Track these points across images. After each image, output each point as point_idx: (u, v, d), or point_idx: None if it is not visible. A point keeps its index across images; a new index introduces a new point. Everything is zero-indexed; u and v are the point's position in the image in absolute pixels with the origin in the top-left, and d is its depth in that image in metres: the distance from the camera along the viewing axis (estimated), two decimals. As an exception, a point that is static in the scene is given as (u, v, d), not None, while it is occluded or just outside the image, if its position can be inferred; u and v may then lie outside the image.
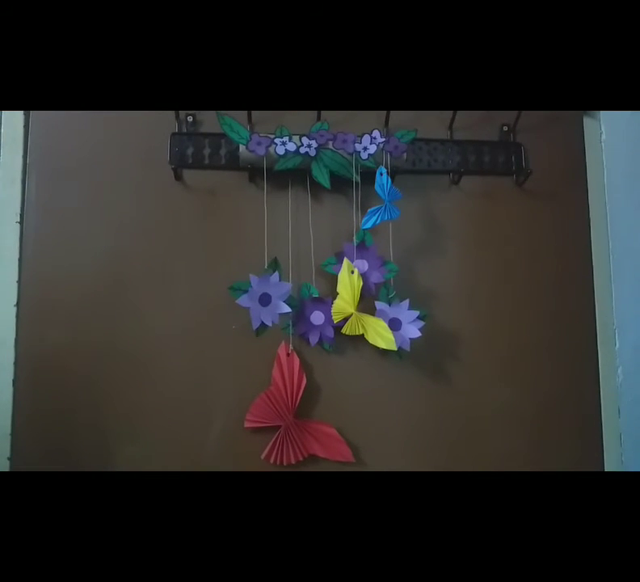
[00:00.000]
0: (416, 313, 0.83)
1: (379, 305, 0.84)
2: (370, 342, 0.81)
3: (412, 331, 0.83)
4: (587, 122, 0.98)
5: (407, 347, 0.83)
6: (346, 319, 0.82)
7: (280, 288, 0.80)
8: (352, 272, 0.82)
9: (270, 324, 0.79)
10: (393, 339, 0.80)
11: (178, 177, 0.86)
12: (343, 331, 0.82)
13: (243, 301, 0.78)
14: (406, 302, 0.84)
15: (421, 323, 0.83)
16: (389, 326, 0.81)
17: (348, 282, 0.81)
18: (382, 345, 0.80)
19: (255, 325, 0.79)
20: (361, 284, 0.82)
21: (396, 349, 0.80)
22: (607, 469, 0.91)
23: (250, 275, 0.79)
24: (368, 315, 0.82)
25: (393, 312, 0.84)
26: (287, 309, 0.79)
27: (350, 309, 0.81)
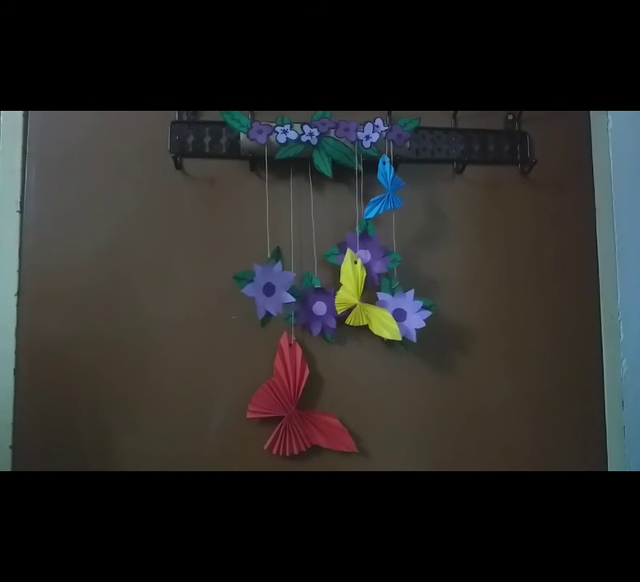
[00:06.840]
0: (420, 303, 0.82)
1: (381, 296, 0.83)
2: (375, 332, 0.80)
3: (417, 321, 0.82)
4: (594, 111, 0.96)
5: (413, 338, 0.81)
6: (349, 310, 0.81)
7: (283, 277, 0.79)
8: (356, 263, 0.81)
9: (275, 314, 0.79)
10: (398, 329, 0.79)
11: (178, 166, 0.86)
12: (348, 321, 0.81)
13: (249, 290, 0.78)
14: (411, 292, 0.83)
15: (428, 313, 0.82)
16: (393, 317, 0.80)
17: (352, 273, 0.81)
18: (387, 335, 0.79)
19: (260, 315, 0.78)
20: (365, 274, 0.81)
21: (400, 339, 0.79)
22: (610, 461, 0.91)
23: (255, 264, 0.78)
24: (372, 306, 0.81)
25: (396, 303, 0.83)
26: (291, 299, 0.79)
27: (354, 299, 0.81)
